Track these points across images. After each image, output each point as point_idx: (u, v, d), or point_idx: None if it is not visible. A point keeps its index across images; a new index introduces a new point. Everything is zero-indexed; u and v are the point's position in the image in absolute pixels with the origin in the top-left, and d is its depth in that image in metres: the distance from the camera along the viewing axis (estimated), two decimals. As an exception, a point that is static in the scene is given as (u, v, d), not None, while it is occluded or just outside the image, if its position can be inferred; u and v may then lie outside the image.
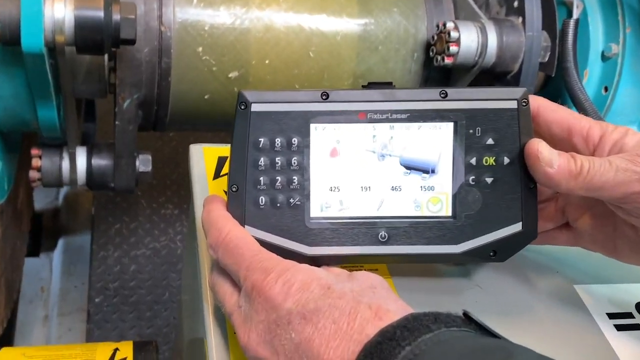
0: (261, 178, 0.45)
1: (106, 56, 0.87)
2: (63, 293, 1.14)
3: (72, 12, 0.73)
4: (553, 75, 0.90)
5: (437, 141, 0.46)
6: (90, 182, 0.88)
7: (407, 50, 0.89)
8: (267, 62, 0.86)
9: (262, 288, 0.39)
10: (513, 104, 0.45)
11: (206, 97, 0.86)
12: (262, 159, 0.45)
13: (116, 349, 0.61)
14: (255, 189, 0.45)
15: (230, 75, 0.86)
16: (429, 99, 0.45)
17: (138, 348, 0.61)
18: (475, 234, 0.45)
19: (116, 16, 0.76)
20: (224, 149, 0.56)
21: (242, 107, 0.45)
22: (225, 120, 0.90)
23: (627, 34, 0.91)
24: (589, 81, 0.94)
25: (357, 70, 0.89)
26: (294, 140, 0.45)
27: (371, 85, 0.46)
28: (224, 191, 0.48)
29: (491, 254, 0.46)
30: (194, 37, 0.84)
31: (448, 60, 0.84)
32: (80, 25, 0.73)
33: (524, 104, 0.45)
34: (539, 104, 0.47)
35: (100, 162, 0.88)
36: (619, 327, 0.49)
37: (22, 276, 1.09)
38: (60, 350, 0.61)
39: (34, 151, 0.88)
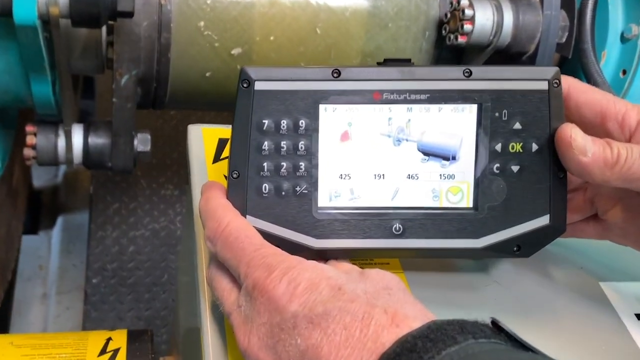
0: (265, 164, 0.40)
1: (104, 30, 0.82)
2: (62, 271, 1.10)
3: (71, -17, 0.68)
4: (570, 57, 0.85)
5: (459, 125, 0.41)
6: (87, 161, 0.83)
7: (419, 28, 0.84)
8: (271, 38, 0.81)
9: (265, 287, 0.34)
10: (544, 85, 0.40)
11: (207, 74, 0.81)
12: (266, 142, 0.40)
13: (109, 339, 0.56)
14: (258, 176, 0.40)
15: (232, 52, 0.80)
16: (452, 78, 0.40)
17: (132, 337, 0.57)
18: (499, 227, 0.41)
19: (113, -13, 0.71)
20: (225, 130, 0.51)
21: (245, 85, 0.40)
22: (227, 99, 0.85)
23: (648, 14, 0.86)
24: (606, 63, 0.88)
25: (366, 49, 0.84)
26: (302, 123, 0.40)
27: (387, 63, 0.41)
28: (224, 176, 0.43)
29: (515, 249, 0.41)
30: (195, 10, 0.79)
31: (461, 40, 0.79)
32: (75, -4, 0.68)
33: (556, 85, 0.40)
34: (569, 84, 0.42)
35: (97, 140, 0.83)
36: (649, 329, 0.45)
37: (20, 254, 1.05)
38: (50, 340, 0.57)
39: (29, 128, 0.83)
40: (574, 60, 0.86)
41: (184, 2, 0.78)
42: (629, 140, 0.41)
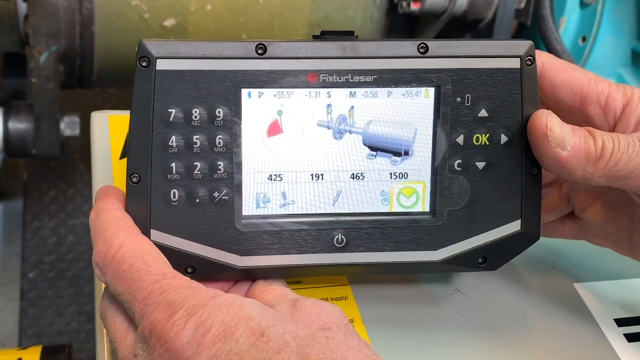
0: (173, 164, 0.31)
1: (20, 1, 0.69)
2: (3, 262, 0.99)
3: (-37, -55, 0.56)
4: (528, 24, 0.76)
5: (412, 113, 0.32)
6: (8, 148, 0.72)
7: (368, -5, 0.74)
8: (208, 8, 0.70)
9: (165, 333, 0.25)
10: (515, 63, 0.31)
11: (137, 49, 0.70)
12: (173, 137, 0.31)
13: (19, 359, 0.47)
14: (164, 180, 0.31)
15: (165, 23, 0.70)
16: (403, 56, 0.31)
17: (47, 355, 0.47)
18: (461, 236, 0.32)
19: (19, -50, 0.59)
20: (138, 118, 0.41)
21: (144, 65, 0.30)
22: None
23: (609, -23, 0.78)
24: (565, 30, 0.81)
25: (313, 18, 0.73)
26: (219, 112, 0.31)
27: (325, 36, 0.31)
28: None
29: (480, 261, 0.33)
30: (120, -22, 0.67)
31: (414, 7, 0.70)
32: (-26, -40, 0.56)
33: (529, 63, 0.32)
34: (543, 61, 0.33)
35: (19, 125, 0.72)
36: (630, 337, 0.37)
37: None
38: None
39: (-58, 113, 0.71)
40: (532, 27, 0.78)
41: (107, -32, 0.67)
42: (613, 127, 0.32)
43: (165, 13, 0.69)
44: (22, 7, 0.70)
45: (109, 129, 0.41)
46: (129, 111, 0.43)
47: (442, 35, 0.75)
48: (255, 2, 0.71)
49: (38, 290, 0.85)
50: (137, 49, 0.31)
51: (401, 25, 0.76)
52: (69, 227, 0.90)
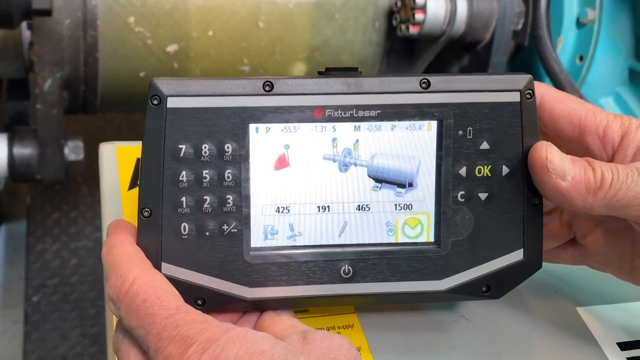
0: (183, 198, 0.32)
1: (25, 28, 0.71)
2: (6, 284, 0.99)
3: (-30, -23, 0.57)
4: (526, 45, 0.78)
5: (416, 145, 0.33)
6: (13, 173, 0.73)
7: (368, 18, 0.76)
8: (210, 33, 0.72)
9: (180, 369, 0.26)
10: (515, 97, 0.32)
11: (141, 74, 0.72)
12: (183, 172, 0.32)
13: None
14: (175, 214, 0.32)
15: (168, 49, 0.71)
16: (406, 91, 0.32)
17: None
18: (465, 266, 0.33)
19: (25, -19, 0.60)
20: (146, 147, 0.42)
21: (155, 102, 0.31)
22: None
23: (604, -2, 0.79)
24: (563, 49, 0.82)
25: (313, 42, 0.75)
26: (228, 147, 0.32)
27: (330, 72, 0.33)
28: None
29: (484, 289, 0.34)
30: (123, 5, 0.68)
31: (413, 30, 0.71)
32: (-19, -8, 0.57)
33: (529, 96, 0.33)
34: (542, 92, 0.34)
35: (24, 151, 0.73)
36: (634, 362, 0.38)
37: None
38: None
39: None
40: (530, 48, 0.80)
41: (111, -4, 0.68)
42: (611, 157, 0.33)
43: (168, 39, 0.70)
44: (27, 35, 0.71)
45: (117, 160, 0.42)
46: (135, 142, 0.44)
47: (440, 56, 0.76)
48: (256, 28, 0.73)
49: (42, 314, 0.86)
50: (148, 88, 0.32)
51: (400, 48, 0.77)
52: (72, 250, 0.91)
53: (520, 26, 0.76)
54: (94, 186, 0.96)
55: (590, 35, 0.80)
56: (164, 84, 0.31)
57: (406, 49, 0.78)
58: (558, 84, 0.77)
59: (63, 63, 0.68)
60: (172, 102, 0.31)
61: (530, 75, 0.33)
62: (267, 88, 0.32)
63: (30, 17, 0.63)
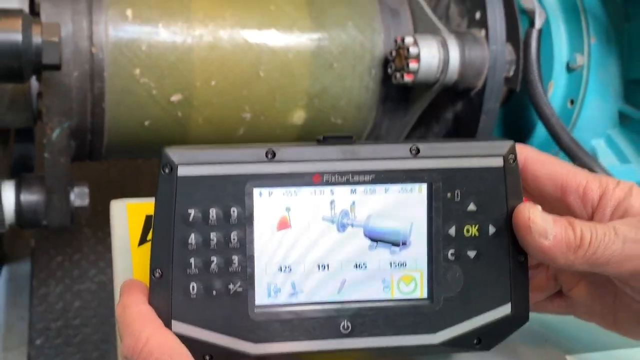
0: (192, 260, 0.34)
1: (33, 79, 0.74)
2: (8, 325, 1.01)
3: (-16, 36, 0.61)
4: (518, 90, 0.81)
5: (408, 207, 0.36)
6: (21, 220, 0.75)
7: (364, 66, 0.79)
8: (213, 83, 0.75)
9: None
10: (498, 162, 0.35)
11: (146, 123, 0.75)
12: (192, 235, 0.34)
13: None
14: (184, 275, 0.34)
15: (172, 98, 0.74)
16: (398, 157, 0.35)
17: None
18: (457, 320, 0.36)
19: (37, 39, 0.64)
20: (152, 205, 0.45)
21: (167, 171, 0.34)
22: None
23: (592, 44, 0.83)
24: (554, 94, 0.85)
25: (312, 90, 0.78)
26: (233, 210, 0.35)
27: (327, 140, 0.36)
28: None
29: (475, 342, 0.36)
30: (129, 58, 0.72)
31: (408, 78, 0.74)
32: (-6, 50, 0.61)
33: (512, 161, 0.36)
34: (525, 155, 0.37)
35: (31, 198, 0.75)
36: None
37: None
38: None
39: (-45, 187, 0.75)
40: (522, 92, 0.83)
41: (118, 50, 0.71)
42: (591, 216, 0.36)
43: (172, 89, 0.74)
44: (35, 85, 0.75)
45: (128, 217, 0.44)
46: (144, 199, 0.47)
47: (435, 102, 0.79)
48: (256, 77, 0.76)
49: (45, 357, 0.88)
50: (160, 157, 0.35)
51: (396, 94, 0.81)
52: (75, 293, 0.93)
53: (512, 73, 0.79)
54: (97, 228, 0.99)
55: (580, 80, 0.84)
56: (174, 154, 0.34)
57: (401, 95, 0.81)
58: (550, 128, 0.80)
59: (71, 114, 0.71)
60: (182, 171, 0.34)
61: (512, 141, 0.36)
62: (269, 155, 0.35)
63: (40, 71, 0.66)
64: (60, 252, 0.96)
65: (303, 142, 0.38)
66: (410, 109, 0.81)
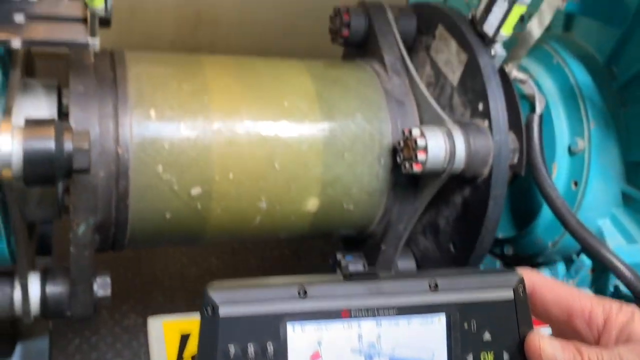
0: None
1: (59, 175, 0.79)
2: (23, 405, 1.03)
3: (20, 145, 0.66)
4: (523, 175, 0.86)
5: (429, 337, 0.40)
6: (45, 312, 0.79)
7: (374, 156, 0.84)
8: (230, 176, 0.80)
9: None
10: (509, 294, 0.40)
11: (167, 216, 0.79)
12: None
13: None
14: None
15: (192, 192, 0.79)
16: (418, 291, 0.39)
17: None
18: None
19: (68, 146, 0.69)
20: (186, 324, 0.49)
21: (209, 312, 0.38)
22: (187, 238, 0.83)
23: (592, 129, 0.88)
24: (558, 175, 0.90)
25: (325, 179, 0.83)
26: (269, 345, 0.39)
27: (354, 277, 0.40)
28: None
29: None
30: (153, 156, 0.77)
31: (417, 169, 0.79)
32: (29, 159, 0.66)
33: (521, 292, 0.40)
34: (534, 281, 0.41)
35: (55, 289, 0.79)
36: None
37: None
38: None
39: (-17, 281, 0.79)
40: (527, 175, 0.88)
41: (142, 149, 0.77)
42: (597, 339, 0.40)
43: (192, 183, 0.78)
44: (62, 182, 0.79)
45: (164, 334, 0.48)
46: (178, 315, 0.51)
47: (444, 189, 0.84)
48: (272, 169, 0.81)
49: None
50: (202, 297, 0.39)
51: (405, 181, 0.85)
52: (93, 375, 0.96)
53: (516, 160, 0.84)
54: (114, 310, 1.02)
55: (582, 163, 0.88)
56: (216, 295, 0.39)
57: (411, 181, 0.86)
58: (556, 211, 0.84)
59: (96, 211, 0.75)
60: (223, 311, 0.38)
61: (521, 274, 0.40)
62: (301, 293, 0.39)
63: (70, 175, 0.71)
64: (78, 334, 0.99)
65: (330, 276, 0.42)
66: (420, 195, 0.86)
